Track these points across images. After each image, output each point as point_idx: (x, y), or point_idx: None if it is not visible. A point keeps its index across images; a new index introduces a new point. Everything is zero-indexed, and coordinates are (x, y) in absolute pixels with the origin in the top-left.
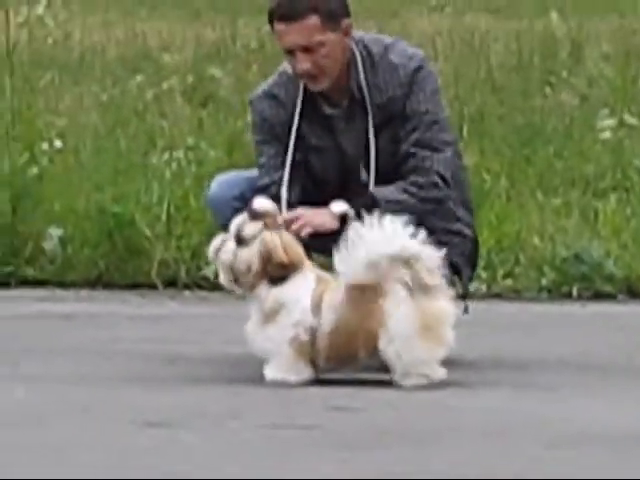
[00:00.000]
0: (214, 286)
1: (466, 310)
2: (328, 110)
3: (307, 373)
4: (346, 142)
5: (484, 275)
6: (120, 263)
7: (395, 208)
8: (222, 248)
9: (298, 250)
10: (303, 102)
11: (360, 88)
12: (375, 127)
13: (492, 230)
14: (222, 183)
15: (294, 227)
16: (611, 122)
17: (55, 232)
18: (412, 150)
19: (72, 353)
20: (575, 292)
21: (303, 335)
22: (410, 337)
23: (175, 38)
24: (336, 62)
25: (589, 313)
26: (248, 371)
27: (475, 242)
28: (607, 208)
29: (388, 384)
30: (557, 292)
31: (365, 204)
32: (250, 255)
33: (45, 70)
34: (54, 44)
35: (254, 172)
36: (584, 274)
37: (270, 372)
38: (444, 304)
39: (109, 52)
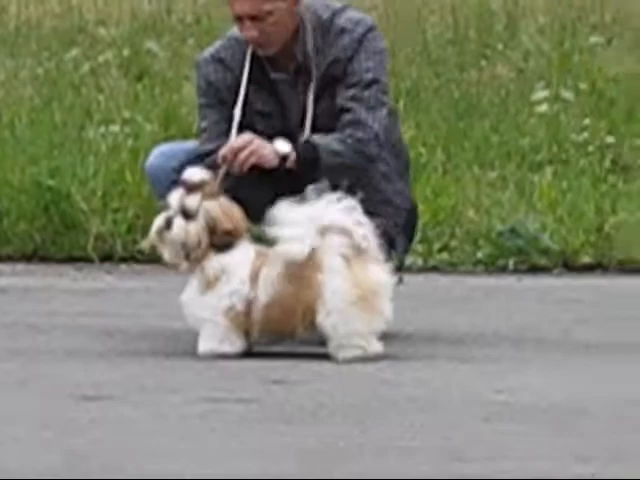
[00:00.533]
0: (150, 259)
1: (400, 281)
2: (274, 75)
3: (240, 344)
4: (290, 107)
5: (420, 249)
6: (56, 237)
7: (334, 159)
8: (170, 226)
9: (240, 216)
10: (251, 67)
11: (306, 54)
12: (317, 91)
13: (428, 203)
14: (161, 154)
15: (242, 156)
16: (546, 94)
17: None
18: (349, 105)
19: (7, 327)
20: (511, 265)
21: (239, 305)
22: (346, 308)
23: (111, 11)
24: (284, 29)
25: (525, 287)
26: (185, 345)
27: (411, 213)
28: (543, 181)
29: (325, 357)
30: (493, 265)
31: (306, 149)
32: (198, 228)
33: None
34: None
35: (192, 144)
36: (520, 247)
37: (203, 343)
38: (381, 274)
39: (45, 25)
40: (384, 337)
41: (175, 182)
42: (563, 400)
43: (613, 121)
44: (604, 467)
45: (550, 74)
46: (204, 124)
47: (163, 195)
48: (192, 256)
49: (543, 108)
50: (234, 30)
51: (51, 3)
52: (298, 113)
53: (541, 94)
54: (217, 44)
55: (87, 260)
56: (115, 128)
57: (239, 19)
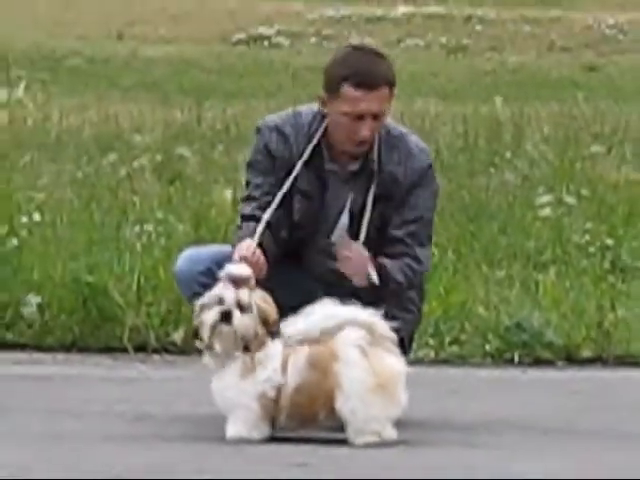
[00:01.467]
0: (181, 350)
1: None
2: (329, 165)
3: (267, 431)
4: (333, 199)
5: (432, 342)
6: (94, 329)
7: (393, 287)
8: (228, 319)
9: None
10: (311, 151)
11: (371, 159)
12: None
13: (440, 300)
14: (188, 259)
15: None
16: (548, 199)
17: (33, 299)
18: (407, 240)
19: (48, 412)
20: (517, 358)
21: (270, 392)
22: (364, 395)
23: (145, 120)
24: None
25: (530, 378)
26: (212, 430)
27: (419, 322)
28: (547, 280)
29: (343, 442)
30: (500, 358)
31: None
32: (253, 320)
33: (25, 149)
34: (33, 125)
35: (217, 247)
36: (525, 342)
37: (233, 428)
38: (396, 364)
39: (84, 133)
40: (399, 424)
41: (205, 285)
42: None
43: (613, 225)
44: None
45: (554, 180)
46: (251, 187)
47: (190, 297)
48: (252, 346)
49: (546, 212)
50: (301, 109)
51: (90, 113)
52: (337, 207)
53: (545, 199)
54: (282, 116)
55: (122, 350)
56: (149, 227)
57: (360, 118)
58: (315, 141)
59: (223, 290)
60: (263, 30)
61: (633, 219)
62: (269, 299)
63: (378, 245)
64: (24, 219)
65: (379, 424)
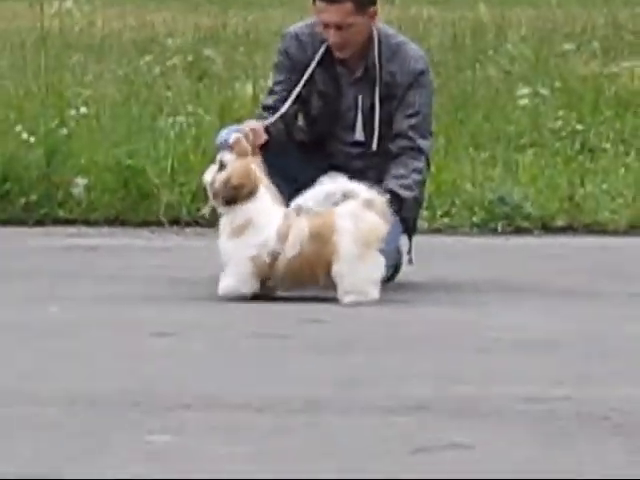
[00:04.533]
0: (210, 223)
1: (410, 261)
2: (339, 69)
3: (257, 288)
4: (346, 99)
5: (426, 214)
6: (134, 205)
7: (408, 195)
8: (207, 170)
9: (255, 176)
10: (323, 54)
11: (374, 65)
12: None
13: (432, 178)
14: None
15: None
16: (526, 90)
17: (81, 181)
18: (409, 133)
19: (95, 278)
20: (500, 228)
21: (265, 257)
22: (352, 261)
23: (177, 25)
24: (360, 39)
25: (511, 245)
26: None
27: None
28: (525, 160)
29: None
30: (485, 228)
31: (394, 202)
32: (222, 178)
33: (73, 51)
34: (80, 31)
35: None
36: (507, 213)
37: (223, 282)
38: (381, 225)
39: (124, 37)
40: (399, 286)
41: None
42: (542, 335)
43: (582, 112)
44: (577, 389)
45: (531, 74)
46: (272, 82)
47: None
48: (217, 198)
49: (524, 102)
50: (317, 20)
51: (129, 19)
52: (350, 107)
53: (523, 90)
54: (302, 25)
55: (159, 224)
56: (181, 119)
57: (325, 26)
58: (325, 45)
59: (220, 154)
60: None
61: (599, 107)
62: (249, 168)
63: (386, 140)
64: (73, 112)
65: (364, 285)
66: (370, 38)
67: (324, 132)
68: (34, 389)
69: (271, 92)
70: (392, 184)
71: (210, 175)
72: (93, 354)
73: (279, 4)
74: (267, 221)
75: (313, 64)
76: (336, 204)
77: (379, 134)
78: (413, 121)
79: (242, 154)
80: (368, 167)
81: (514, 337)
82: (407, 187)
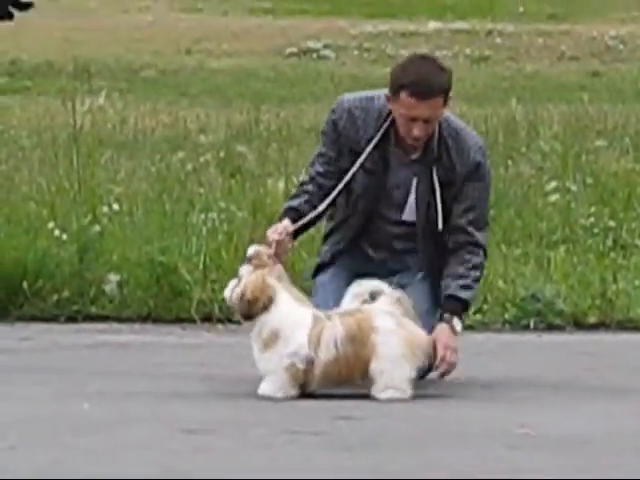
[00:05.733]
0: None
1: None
2: (393, 149)
3: (294, 393)
4: (394, 177)
5: None
6: (166, 302)
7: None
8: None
9: (266, 291)
10: (379, 138)
11: (432, 149)
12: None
13: None
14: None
15: (451, 360)
16: (553, 185)
17: (114, 277)
18: (467, 228)
19: (127, 375)
20: (532, 325)
21: (299, 364)
22: (394, 359)
23: (210, 122)
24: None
25: (543, 342)
26: None
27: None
28: (557, 257)
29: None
30: (517, 325)
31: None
32: (238, 292)
33: (105, 148)
34: (113, 127)
35: None
36: (539, 310)
37: (263, 387)
38: (422, 333)
39: (157, 133)
40: (431, 383)
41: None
42: (574, 432)
43: (614, 208)
44: None
45: (563, 171)
46: (315, 155)
47: None
48: (236, 314)
49: (556, 198)
50: (375, 94)
51: (162, 116)
52: (400, 185)
53: (552, 184)
54: (357, 98)
55: (191, 321)
56: (213, 215)
57: (413, 120)
58: (385, 125)
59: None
60: (311, 44)
61: (632, 203)
62: (263, 280)
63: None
64: (105, 209)
65: (402, 383)
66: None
67: (367, 209)
68: None
69: (313, 163)
70: (452, 287)
71: (229, 290)
72: (124, 450)
73: (312, 100)
74: (294, 328)
75: (369, 147)
76: (365, 302)
77: (443, 214)
78: (471, 216)
79: (260, 267)
80: (408, 250)
81: (545, 434)
82: (466, 287)
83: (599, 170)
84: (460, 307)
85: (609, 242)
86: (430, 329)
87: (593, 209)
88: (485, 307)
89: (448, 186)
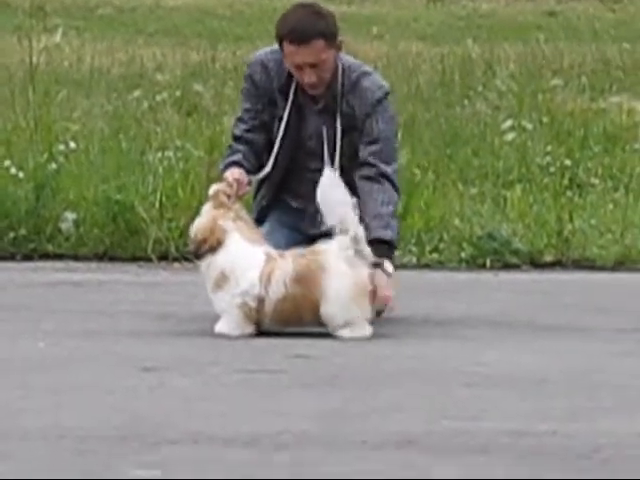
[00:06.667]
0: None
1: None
2: (302, 98)
3: (251, 330)
4: (308, 128)
5: (415, 250)
6: (122, 240)
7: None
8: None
9: (216, 232)
10: (286, 85)
11: (335, 97)
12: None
13: (421, 214)
14: None
15: (387, 295)
16: (509, 124)
17: (70, 215)
18: (371, 160)
19: (82, 313)
20: (488, 264)
21: (251, 302)
22: (345, 302)
23: (166, 60)
24: (330, 74)
25: (500, 280)
26: None
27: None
28: (514, 196)
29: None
30: (474, 264)
31: (389, 251)
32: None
33: (61, 86)
34: (69, 66)
35: None
36: (495, 249)
37: (219, 326)
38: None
39: (113, 72)
40: (388, 321)
41: None
42: (529, 371)
43: (570, 147)
44: (563, 424)
45: (519, 110)
46: (240, 110)
47: None
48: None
49: (512, 137)
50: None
51: (118, 55)
52: (312, 136)
53: (508, 123)
54: (268, 51)
55: (147, 259)
56: (169, 153)
57: (298, 67)
58: (294, 85)
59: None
60: None
61: (588, 142)
62: (214, 222)
63: (351, 170)
64: (61, 147)
65: (358, 322)
66: (334, 70)
67: (286, 160)
68: (21, 424)
69: (240, 120)
70: (373, 228)
71: (190, 228)
72: (81, 389)
73: (269, 39)
74: (246, 267)
75: (289, 105)
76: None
77: (340, 165)
78: (373, 148)
79: (219, 206)
80: None
81: (501, 373)
82: (385, 226)
83: (555, 109)
84: (386, 248)
85: (565, 181)
86: None
87: (549, 148)
88: (441, 246)
89: (352, 131)
